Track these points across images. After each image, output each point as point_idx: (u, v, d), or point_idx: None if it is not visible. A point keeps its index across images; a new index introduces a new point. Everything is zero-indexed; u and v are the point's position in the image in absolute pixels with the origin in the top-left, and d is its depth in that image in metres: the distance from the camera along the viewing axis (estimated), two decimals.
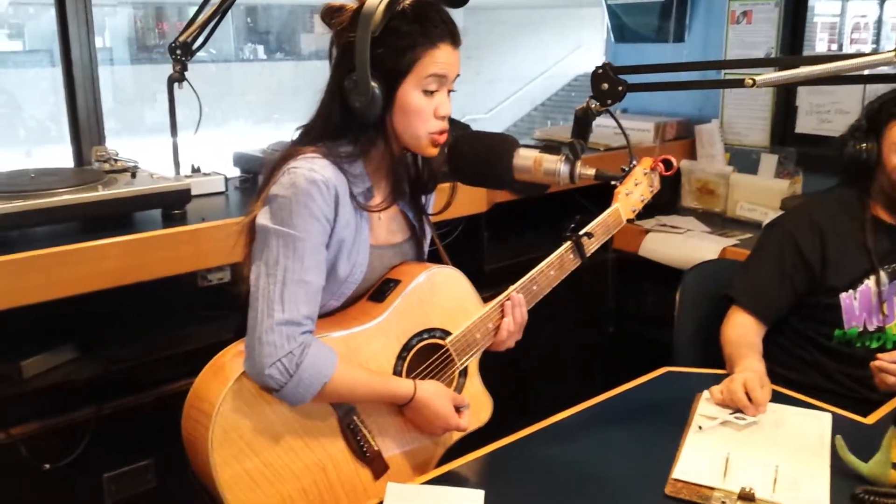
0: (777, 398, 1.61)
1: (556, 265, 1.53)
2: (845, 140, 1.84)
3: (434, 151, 1.39)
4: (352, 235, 1.37)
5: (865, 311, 1.81)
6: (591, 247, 1.57)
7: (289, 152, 1.35)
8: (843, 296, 1.81)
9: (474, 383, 1.53)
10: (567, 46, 13.09)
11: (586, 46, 12.32)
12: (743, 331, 1.81)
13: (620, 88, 1.40)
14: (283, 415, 1.31)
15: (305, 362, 1.26)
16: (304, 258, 1.28)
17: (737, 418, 1.51)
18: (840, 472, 1.34)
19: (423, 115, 1.34)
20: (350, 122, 1.34)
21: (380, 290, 1.44)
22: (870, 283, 1.80)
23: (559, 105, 12.56)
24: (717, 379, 1.66)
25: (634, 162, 1.60)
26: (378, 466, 1.40)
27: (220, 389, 1.27)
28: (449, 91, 1.37)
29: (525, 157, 1.37)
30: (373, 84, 1.28)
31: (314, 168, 1.30)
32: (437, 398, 1.40)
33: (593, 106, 1.43)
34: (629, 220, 1.64)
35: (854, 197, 1.88)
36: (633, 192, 1.63)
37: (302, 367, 1.25)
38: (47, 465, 1.77)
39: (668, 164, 1.61)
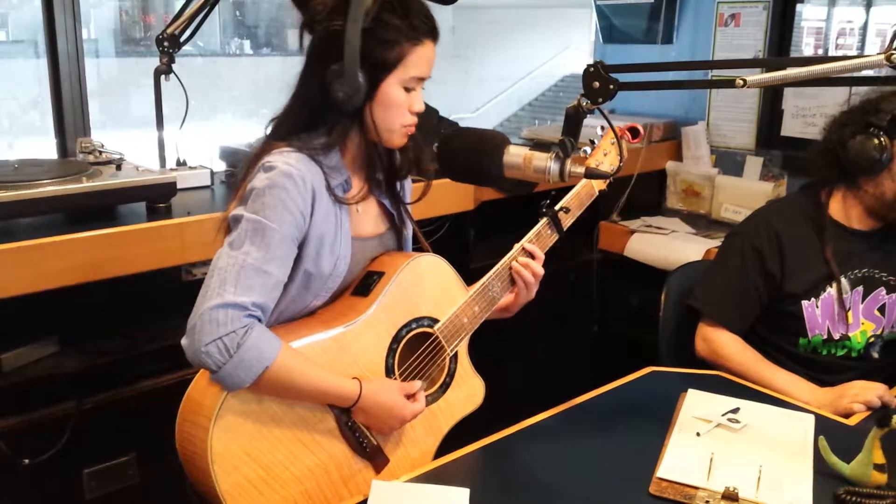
0: (761, 399, 1.62)
1: (534, 241, 1.56)
2: (852, 133, 1.74)
3: (403, 142, 1.40)
4: (332, 229, 1.36)
5: (828, 318, 1.80)
6: (567, 221, 1.61)
7: (262, 148, 1.35)
8: (804, 303, 1.80)
9: (465, 367, 1.53)
10: (555, 47, 13.10)
11: (574, 47, 12.34)
12: (738, 346, 1.81)
13: (612, 87, 1.39)
14: (281, 420, 1.29)
15: (247, 343, 1.20)
16: (270, 247, 1.26)
17: (730, 420, 1.51)
18: (823, 473, 1.35)
19: (400, 109, 1.35)
20: (326, 111, 1.33)
21: (364, 283, 1.42)
22: (832, 290, 1.80)
23: (546, 105, 12.56)
24: (701, 379, 1.66)
25: (601, 133, 1.64)
26: (379, 461, 1.40)
27: (216, 400, 1.23)
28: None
29: (515, 154, 1.36)
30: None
31: (289, 162, 1.29)
32: (384, 392, 1.35)
33: (584, 104, 1.42)
34: (601, 191, 1.69)
35: (811, 202, 1.87)
36: (603, 162, 1.66)
37: (243, 349, 1.20)
38: (27, 461, 1.75)
39: (634, 132, 1.63)
